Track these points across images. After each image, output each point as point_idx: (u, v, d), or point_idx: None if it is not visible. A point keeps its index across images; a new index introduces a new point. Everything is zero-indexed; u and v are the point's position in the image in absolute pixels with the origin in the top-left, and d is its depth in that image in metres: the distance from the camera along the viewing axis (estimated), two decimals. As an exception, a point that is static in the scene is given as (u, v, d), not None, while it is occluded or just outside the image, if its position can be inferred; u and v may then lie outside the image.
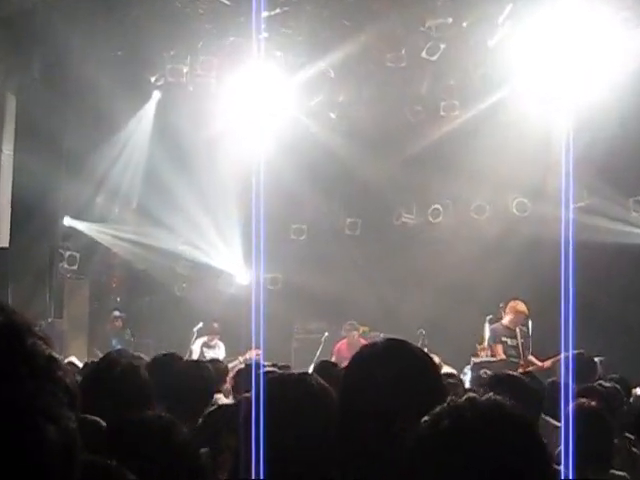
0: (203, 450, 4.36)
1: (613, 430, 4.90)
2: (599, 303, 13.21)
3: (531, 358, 12.18)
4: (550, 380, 7.20)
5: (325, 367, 5.71)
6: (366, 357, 2.62)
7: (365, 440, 2.45)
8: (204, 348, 15.52)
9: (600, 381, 7.04)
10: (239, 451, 2.71)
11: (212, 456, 4.25)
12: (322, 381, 2.80)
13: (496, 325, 12.52)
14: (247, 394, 4.04)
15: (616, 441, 5.59)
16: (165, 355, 6.16)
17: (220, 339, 15.67)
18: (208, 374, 5.59)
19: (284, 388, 2.69)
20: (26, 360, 1.48)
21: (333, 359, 14.70)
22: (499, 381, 5.52)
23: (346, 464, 2.50)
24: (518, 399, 1.86)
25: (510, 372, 6.56)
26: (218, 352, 15.43)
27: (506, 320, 12.35)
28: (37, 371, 1.48)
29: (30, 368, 1.47)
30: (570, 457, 2.78)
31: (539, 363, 11.97)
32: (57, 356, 1.57)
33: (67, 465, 1.45)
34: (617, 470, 4.94)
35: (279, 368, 6.41)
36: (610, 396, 6.26)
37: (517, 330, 12.21)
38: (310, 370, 5.92)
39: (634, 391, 9.67)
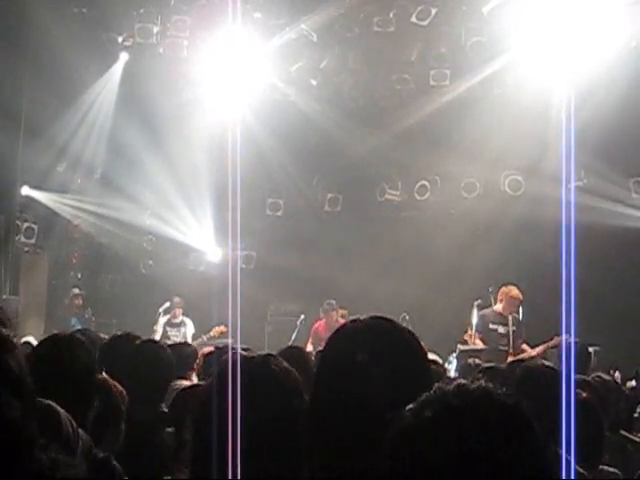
0: (168, 430, 4.38)
1: (603, 424, 4.94)
2: (595, 289, 13.26)
3: (524, 347, 12.23)
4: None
5: (291, 354, 5.17)
6: (347, 335, 2.52)
7: (341, 427, 2.38)
8: (167, 327, 15.40)
9: (599, 373, 7.08)
10: (198, 435, 2.70)
11: (177, 437, 4.27)
12: (286, 364, 2.77)
13: (487, 311, 12.52)
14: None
15: (611, 436, 5.64)
16: (120, 335, 6.17)
17: (185, 314, 15.57)
18: (164, 355, 5.56)
19: (242, 372, 2.66)
20: None
21: (310, 341, 14.75)
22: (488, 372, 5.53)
23: (317, 455, 2.44)
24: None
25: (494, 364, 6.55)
26: (185, 330, 15.32)
27: (498, 306, 12.37)
28: None
29: None
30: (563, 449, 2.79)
31: (531, 351, 12.03)
32: (4, 335, 1.52)
33: (10, 454, 1.42)
34: (608, 466, 4.98)
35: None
36: (607, 390, 6.29)
37: (510, 317, 12.23)
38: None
39: (628, 384, 9.76)
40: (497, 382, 1.81)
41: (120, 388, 4.76)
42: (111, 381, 4.74)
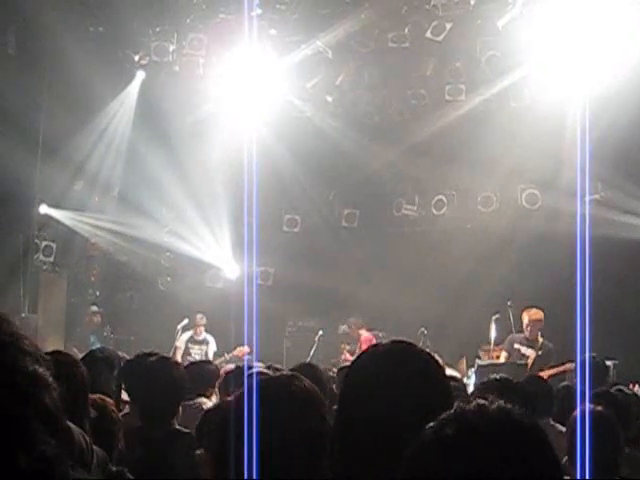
0: (199, 452, 4.39)
1: (620, 437, 4.91)
2: (612, 302, 13.22)
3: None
4: (563, 384, 7.21)
5: (303, 372, 5.25)
6: (368, 360, 2.65)
7: (363, 447, 2.46)
8: (190, 344, 15.44)
9: (620, 387, 7.04)
10: (221, 456, 2.73)
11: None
12: (308, 384, 2.81)
13: (517, 335, 12.63)
14: (229, 397, 4.05)
15: (634, 451, 5.61)
16: (137, 355, 6.21)
17: (207, 331, 15.61)
18: (177, 372, 5.58)
19: (264, 392, 2.69)
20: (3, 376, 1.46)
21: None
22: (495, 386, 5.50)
23: (342, 471, 2.52)
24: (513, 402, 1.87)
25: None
26: (207, 348, 15.35)
27: (526, 332, 12.42)
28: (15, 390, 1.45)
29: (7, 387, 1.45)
30: (578, 463, 2.79)
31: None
32: (40, 373, 1.53)
33: None
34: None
35: (273, 370, 6.38)
36: (629, 404, 6.25)
37: (539, 343, 12.23)
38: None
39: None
40: (514, 399, 1.83)
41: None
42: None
